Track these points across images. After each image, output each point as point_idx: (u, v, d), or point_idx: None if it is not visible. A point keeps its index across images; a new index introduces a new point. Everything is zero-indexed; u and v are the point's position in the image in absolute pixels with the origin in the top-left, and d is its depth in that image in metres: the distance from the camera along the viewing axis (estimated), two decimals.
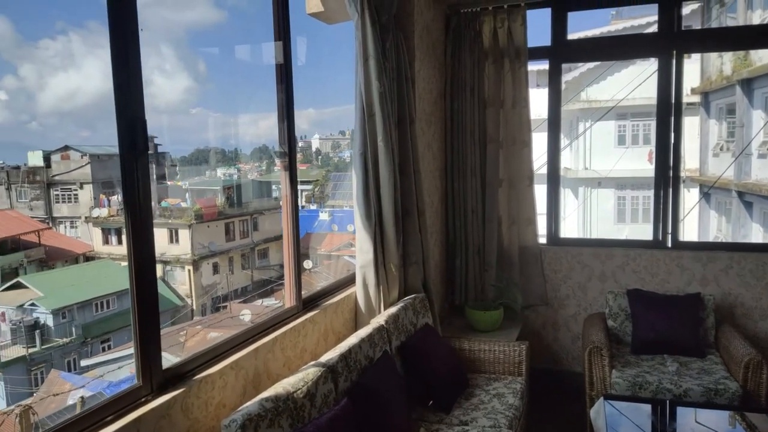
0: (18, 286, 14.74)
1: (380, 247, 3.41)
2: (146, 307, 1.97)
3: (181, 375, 2.14)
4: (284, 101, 2.93)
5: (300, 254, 3.03)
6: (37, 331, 14.07)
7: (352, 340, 2.84)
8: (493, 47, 4.45)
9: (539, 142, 4.72)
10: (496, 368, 3.64)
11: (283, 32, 2.91)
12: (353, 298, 3.45)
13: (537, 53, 4.54)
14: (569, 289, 4.57)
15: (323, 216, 19.55)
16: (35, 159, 19.20)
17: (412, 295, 3.60)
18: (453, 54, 4.50)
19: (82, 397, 8.85)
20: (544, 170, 4.69)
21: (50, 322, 14.32)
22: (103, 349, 14.83)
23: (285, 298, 2.98)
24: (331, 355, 2.63)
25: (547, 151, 4.58)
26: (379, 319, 3.18)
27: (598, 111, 13.68)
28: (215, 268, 18.92)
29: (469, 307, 4.27)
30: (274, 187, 22.19)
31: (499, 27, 4.40)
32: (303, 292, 3.08)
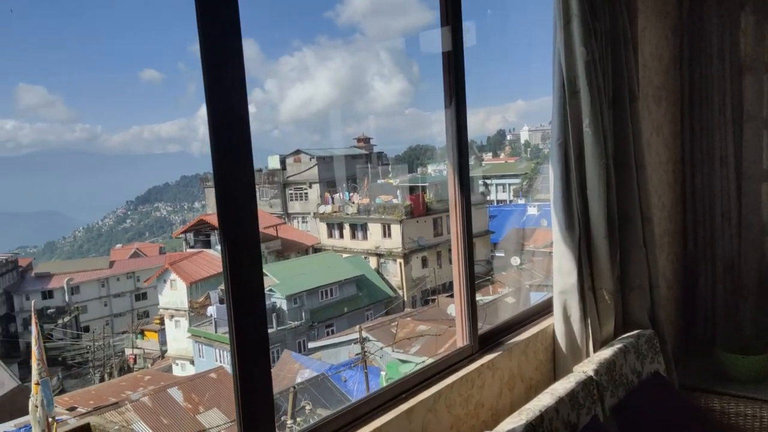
0: None
1: (587, 266, 2.59)
2: (252, 371, 1.49)
3: None
4: (453, 93, 2.32)
5: (474, 277, 2.36)
6: (274, 314, 15.72)
7: (546, 399, 2.09)
8: None
9: None
10: None
11: (452, 15, 2.30)
12: (550, 333, 2.67)
13: None
14: None
15: (532, 210, 18.50)
16: (273, 162, 21.68)
17: (635, 332, 2.68)
18: (692, 6, 3.44)
19: (294, 389, 9.36)
20: None
21: (284, 306, 15.89)
22: (327, 334, 15.99)
23: (456, 336, 2.34)
24: (513, 423, 1.92)
25: None
26: (586, 368, 2.36)
27: None
28: (424, 262, 19.21)
29: (719, 347, 3.15)
30: (480, 182, 21.76)
31: None
32: (483, 319, 2.42)
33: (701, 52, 3.42)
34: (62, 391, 14.91)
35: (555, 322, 2.63)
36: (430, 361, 2.31)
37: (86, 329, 20.77)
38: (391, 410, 1.87)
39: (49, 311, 21.19)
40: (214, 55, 1.40)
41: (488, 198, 22.03)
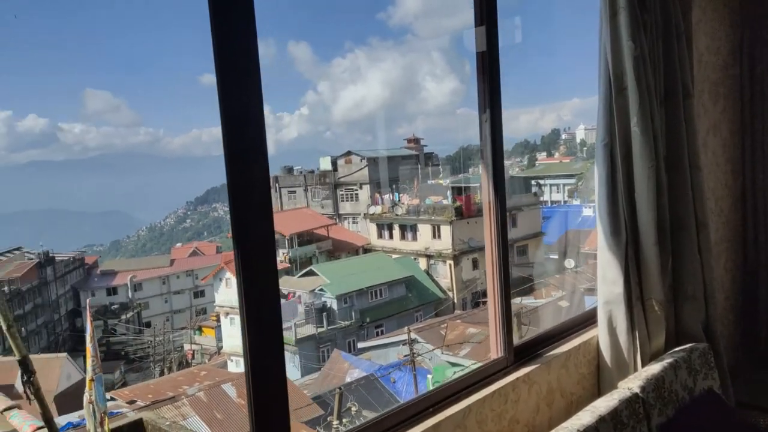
0: (310, 273, 16.90)
1: (635, 275, 2.44)
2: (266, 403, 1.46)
3: None
4: (487, 94, 2.23)
5: (509, 286, 2.25)
6: (324, 313, 15.90)
7: (585, 418, 1.97)
8: None
9: None
10: None
11: (486, 14, 2.21)
12: (594, 345, 2.52)
13: None
14: None
15: (587, 212, 17.89)
16: (325, 164, 21.97)
17: (687, 345, 2.50)
18: None
19: (340, 390, 9.38)
20: None
21: (335, 306, 16.04)
22: (377, 334, 16.02)
23: (491, 347, 2.24)
24: None
25: None
26: (631, 384, 2.21)
27: None
28: (474, 264, 18.91)
29: None
30: (533, 182, 21.27)
31: None
32: (524, 328, 2.31)
33: (763, 45, 3.18)
34: (124, 384, 15.51)
35: (599, 333, 2.49)
36: (475, 366, 2.22)
37: (148, 325, 21.55)
38: (414, 426, 1.79)
39: (113, 307, 22.11)
40: (227, 54, 1.36)
41: (541, 199, 21.51)
